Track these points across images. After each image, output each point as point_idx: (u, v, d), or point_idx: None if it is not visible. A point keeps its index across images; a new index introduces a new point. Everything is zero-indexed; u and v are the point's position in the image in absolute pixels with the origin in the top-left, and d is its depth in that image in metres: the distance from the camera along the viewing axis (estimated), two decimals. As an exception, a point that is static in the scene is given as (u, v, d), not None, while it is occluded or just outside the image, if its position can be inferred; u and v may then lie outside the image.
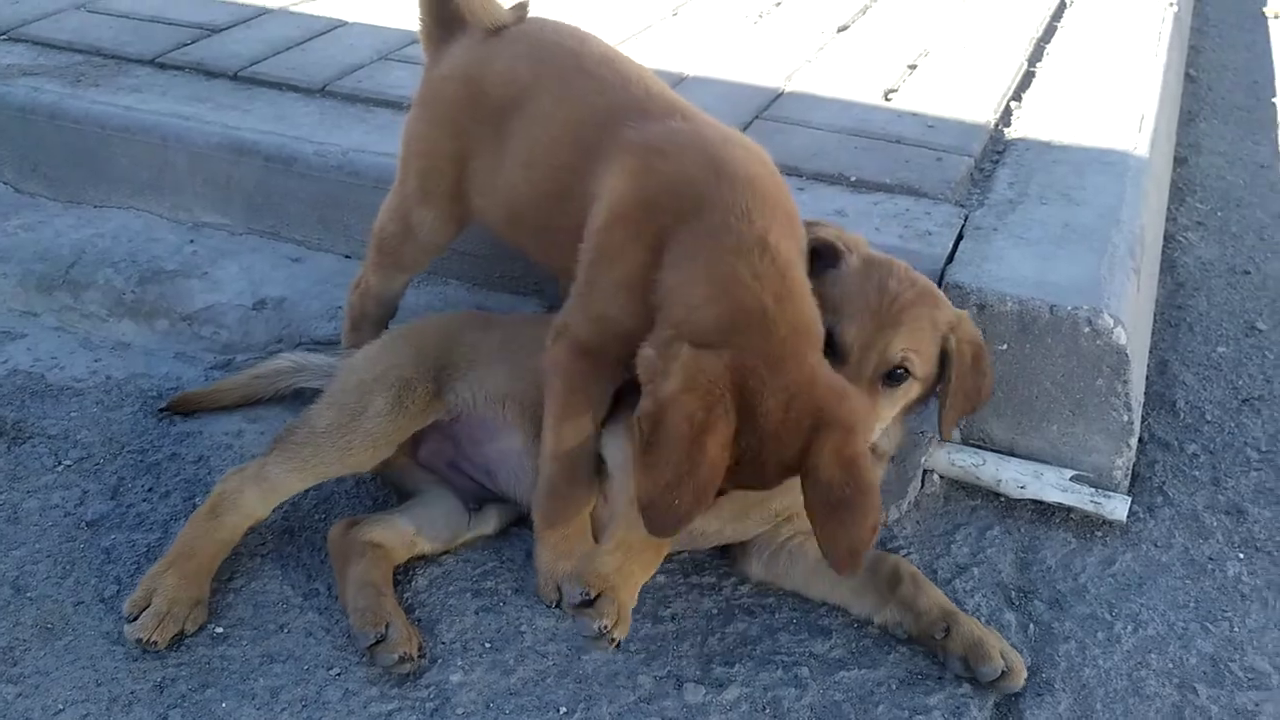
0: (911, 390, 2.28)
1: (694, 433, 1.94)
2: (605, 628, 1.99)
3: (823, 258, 2.30)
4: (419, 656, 2.18)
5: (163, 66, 3.76)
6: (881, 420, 2.26)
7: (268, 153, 3.30)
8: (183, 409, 2.80)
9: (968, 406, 2.38)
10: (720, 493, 2.09)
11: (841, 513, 1.99)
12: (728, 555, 2.47)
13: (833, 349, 2.18)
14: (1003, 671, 2.13)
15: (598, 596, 2.00)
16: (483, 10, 2.51)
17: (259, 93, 3.61)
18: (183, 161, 3.40)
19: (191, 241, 3.37)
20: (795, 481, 2.25)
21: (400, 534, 2.41)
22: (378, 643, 2.15)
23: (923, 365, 2.25)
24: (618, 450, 2.28)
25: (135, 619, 2.16)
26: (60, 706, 2.05)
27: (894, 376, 2.23)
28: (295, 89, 3.62)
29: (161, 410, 2.79)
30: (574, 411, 2.28)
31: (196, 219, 3.44)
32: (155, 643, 2.15)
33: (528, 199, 2.40)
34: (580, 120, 2.32)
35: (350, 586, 2.26)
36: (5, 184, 3.64)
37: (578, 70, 2.39)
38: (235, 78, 3.68)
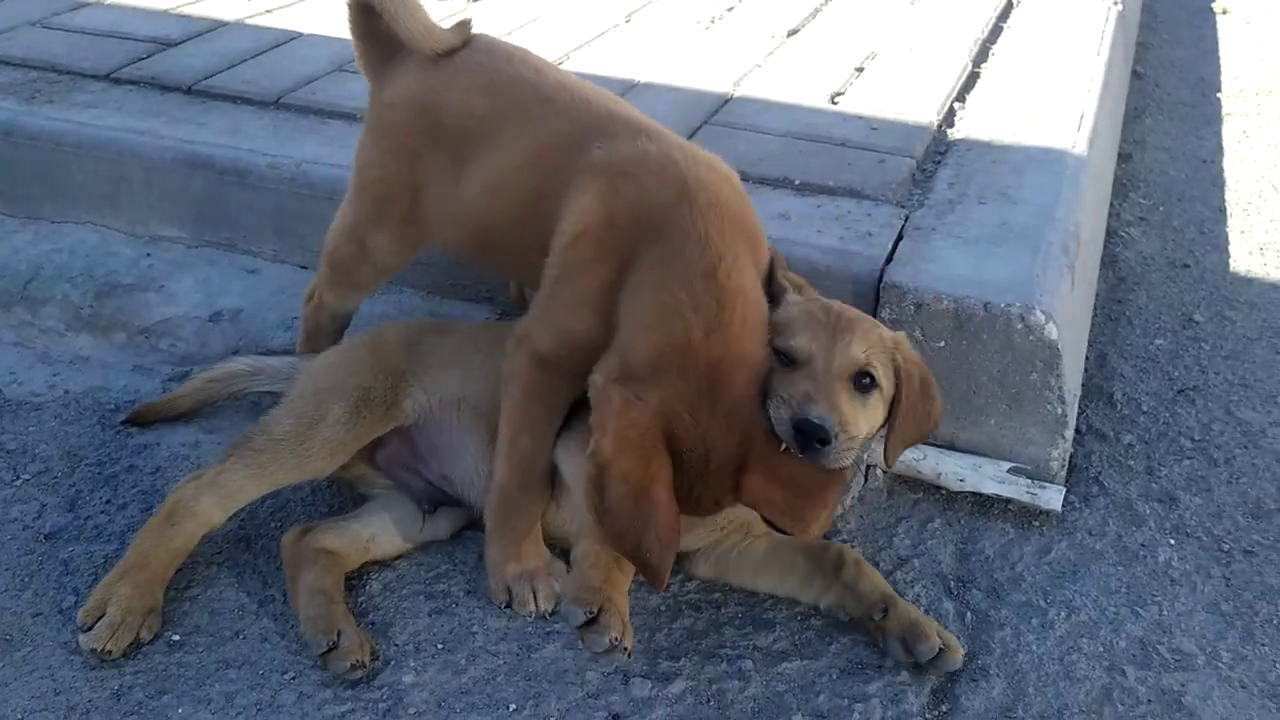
0: (879, 407, 2.21)
1: (638, 489, 2.03)
2: (616, 639, 2.10)
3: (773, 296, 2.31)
4: (371, 661, 2.23)
5: (117, 81, 3.79)
6: (858, 430, 2.15)
7: (222, 166, 3.34)
8: (142, 420, 2.84)
9: (917, 433, 2.34)
10: None
11: (796, 509, 2.10)
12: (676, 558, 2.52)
13: (791, 363, 2.16)
14: (940, 650, 2.21)
15: (599, 612, 2.10)
16: (425, 36, 2.48)
17: (213, 106, 3.65)
18: (138, 176, 3.43)
19: (148, 255, 3.41)
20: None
21: (353, 540, 2.46)
22: (330, 650, 2.20)
23: (885, 375, 2.20)
24: (573, 463, 2.35)
25: (90, 629, 2.20)
26: (19, 716, 2.09)
27: (862, 384, 2.17)
28: (250, 102, 3.66)
29: (121, 423, 2.83)
30: (531, 421, 2.34)
31: (153, 233, 3.48)
32: (110, 652, 2.18)
33: (498, 225, 2.43)
34: (546, 144, 2.35)
35: (302, 594, 2.31)
36: (-38, 201, 3.67)
37: (536, 99, 2.42)
38: (190, 91, 3.72)
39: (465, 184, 2.45)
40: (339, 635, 2.21)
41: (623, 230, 2.19)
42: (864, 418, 2.16)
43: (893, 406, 2.23)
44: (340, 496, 2.66)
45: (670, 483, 2.06)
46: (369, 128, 2.64)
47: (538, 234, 2.34)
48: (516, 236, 2.42)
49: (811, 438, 2.04)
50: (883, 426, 2.27)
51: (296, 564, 2.37)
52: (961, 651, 2.25)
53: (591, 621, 2.11)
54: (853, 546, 2.57)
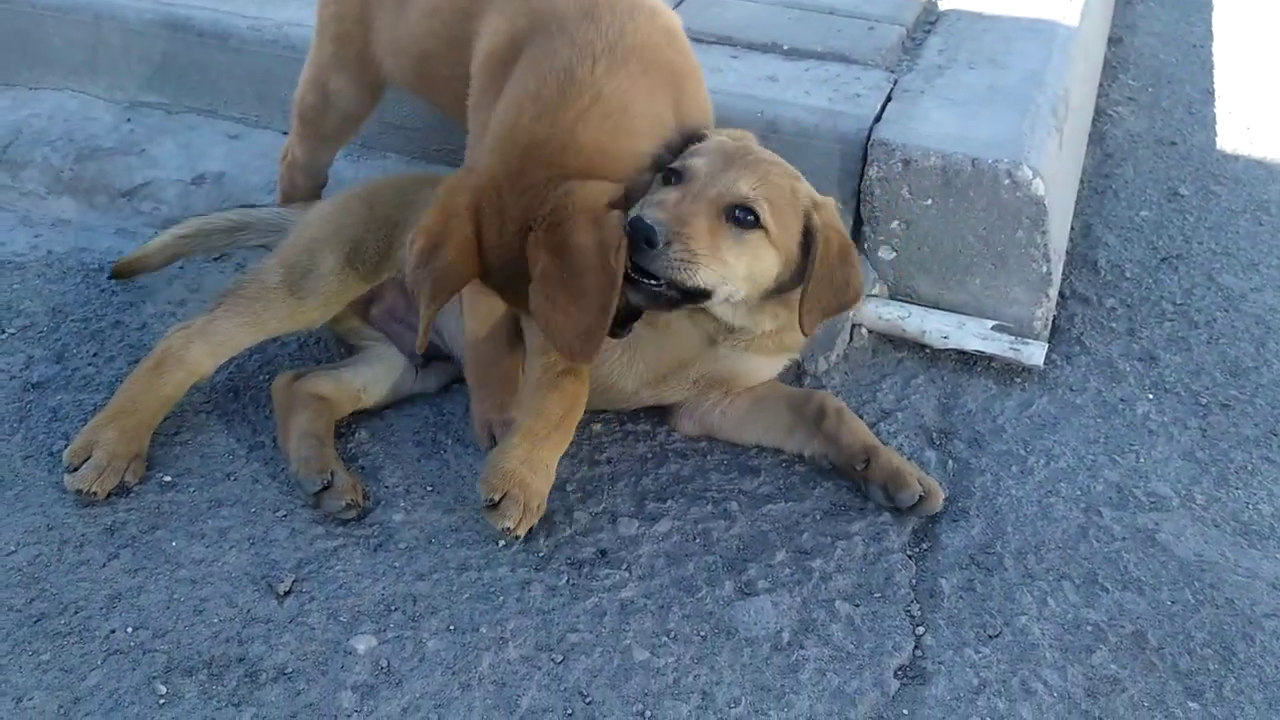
0: (762, 249, 2.10)
1: (433, 242, 2.03)
2: (508, 529, 2.09)
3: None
4: (364, 501, 2.26)
5: (92, -53, 3.70)
6: (723, 265, 2.06)
7: (202, 28, 3.28)
8: (128, 273, 2.79)
9: (834, 301, 2.18)
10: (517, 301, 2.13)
11: (559, 297, 1.97)
12: (660, 413, 2.54)
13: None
14: (920, 497, 2.25)
15: (502, 498, 2.09)
16: None
17: (191, -29, 3.57)
18: (117, 40, 3.37)
19: (128, 120, 3.36)
20: (713, 352, 2.33)
21: (345, 388, 2.47)
22: (324, 489, 2.22)
23: (777, 224, 2.09)
24: (532, 328, 2.31)
25: (75, 470, 2.20)
26: (12, 548, 2.11)
27: (740, 218, 2.06)
28: (228, -33, 3.59)
29: (111, 277, 2.80)
30: None
31: (133, 98, 3.42)
32: (95, 494, 2.19)
33: (433, 49, 2.39)
34: None
35: (293, 437, 2.32)
36: (-64, 68, 3.60)
37: None
38: (167, -44, 3.64)
39: (408, 9, 2.42)
40: (332, 475, 2.23)
41: (522, 44, 2.14)
42: (734, 252, 2.06)
43: (811, 268, 2.12)
44: (327, 351, 2.67)
45: (465, 246, 2.03)
46: None
47: (463, 60, 2.29)
48: (450, 63, 2.36)
49: (639, 236, 1.97)
50: (781, 285, 2.18)
51: (288, 408, 2.38)
52: (942, 497, 2.29)
53: (494, 505, 2.09)
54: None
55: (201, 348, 2.35)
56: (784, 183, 2.14)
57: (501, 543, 2.18)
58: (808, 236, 2.14)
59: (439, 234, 2.04)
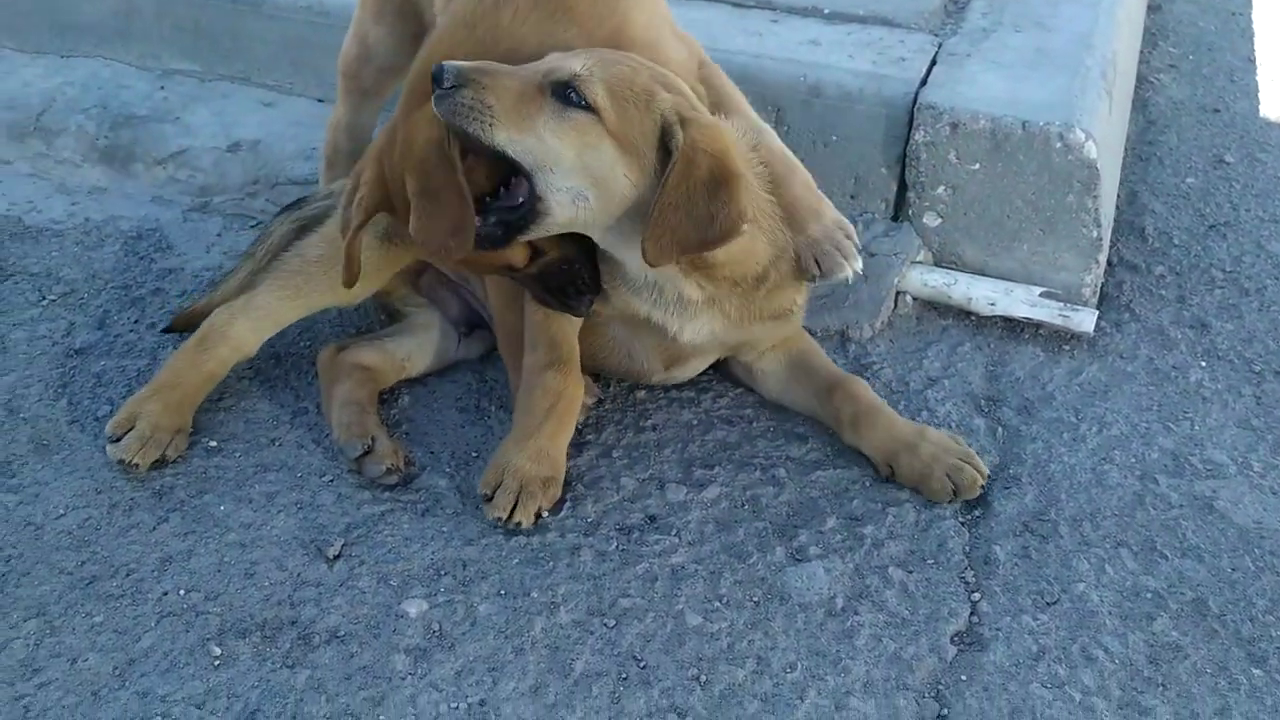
0: (593, 135, 1.89)
1: (352, 184, 2.12)
2: (499, 519, 2.10)
3: None
4: (407, 467, 2.24)
5: (123, -86, 3.67)
6: (536, 138, 1.89)
7: (235, -7, 3.26)
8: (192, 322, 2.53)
9: (692, 235, 1.90)
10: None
11: (424, 204, 1.98)
12: (706, 378, 2.51)
13: None
14: (954, 490, 2.20)
15: (496, 489, 2.11)
16: None
17: (223, -63, 3.54)
18: (150, 6, 3.35)
19: (162, 88, 3.34)
20: (737, 333, 2.27)
21: (389, 358, 2.45)
22: (365, 454, 2.21)
23: (619, 114, 1.88)
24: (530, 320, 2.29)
25: (118, 440, 2.18)
26: (61, 511, 2.10)
27: (567, 95, 1.89)
28: (260, -67, 3.55)
29: (167, 330, 2.59)
30: None
31: (166, 66, 3.40)
32: (137, 465, 2.17)
33: None
34: None
35: (336, 405, 2.30)
36: (-32, 37, 3.59)
37: None
38: (198, -77, 3.60)
39: None
40: (373, 440, 2.21)
41: None
42: (552, 128, 1.89)
43: (664, 184, 1.88)
44: (368, 318, 2.64)
45: (374, 183, 2.06)
46: None
47: None
48: None
49: (432, 77, 1.88)
50: (634, 198, 1.95)
51: (332, 378, 2.36)
52: (981, 482, 2.21)
53: (489, 499, 2.12)
54: (882, 368, 2.57)
55: (244, 323, 2.32)
56: (640, 80, 1.91)
57: (501, 532, 2.13)
58: (664, 141, 1.90)
59: (358, 174, 2.11)
